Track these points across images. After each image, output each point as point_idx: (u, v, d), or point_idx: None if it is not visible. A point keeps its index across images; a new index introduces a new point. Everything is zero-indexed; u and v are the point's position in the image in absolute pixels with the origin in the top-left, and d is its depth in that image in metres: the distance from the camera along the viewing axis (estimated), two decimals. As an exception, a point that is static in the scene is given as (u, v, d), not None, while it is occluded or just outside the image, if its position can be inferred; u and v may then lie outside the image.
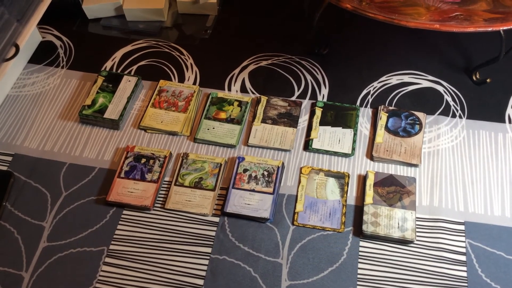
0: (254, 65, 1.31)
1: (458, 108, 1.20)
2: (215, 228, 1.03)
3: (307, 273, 0.98)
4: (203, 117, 1.19)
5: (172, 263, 0.99)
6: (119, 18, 1.43)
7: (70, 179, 1.10)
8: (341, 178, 1.09)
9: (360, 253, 1.00)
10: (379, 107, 1.19)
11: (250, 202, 1.05)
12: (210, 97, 1.23)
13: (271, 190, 1.07)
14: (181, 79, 1.28)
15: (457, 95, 1.23)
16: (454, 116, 1.19)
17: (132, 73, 1.30)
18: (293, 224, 1.04)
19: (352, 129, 1.16)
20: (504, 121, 1.18)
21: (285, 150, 1.14)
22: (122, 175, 1.09)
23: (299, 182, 1.09)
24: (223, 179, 1.10)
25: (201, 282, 0.97)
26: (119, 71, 1.30)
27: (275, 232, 1.03)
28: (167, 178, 1.10)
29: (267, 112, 1.20)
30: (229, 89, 1.26)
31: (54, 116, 1.21)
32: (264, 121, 1.18)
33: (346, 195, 1.07)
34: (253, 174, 1.09)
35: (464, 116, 1.19)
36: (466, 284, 0.96)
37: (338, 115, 1.19)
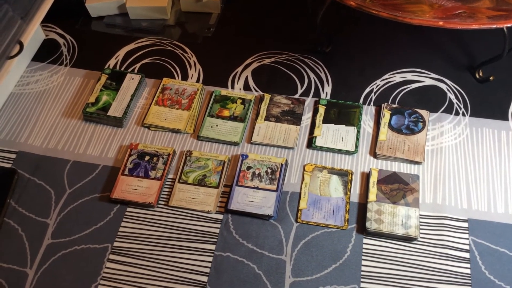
0: (257, 63, 1.31)
1: (461, 106, 1.20)
2: (218, 225, 1.04)
3: (310, 270, 0.98)
4: (207, 114, 1.19)
5: (176, 260, 1.00)
6: (122, 16, 1.43)
7: (74, 176, 1.11)
8: (345, 175, 1.09)
9: (364, 250, 1.00)
10: (382, 105, 1.19)
11: (254, 199, 1.05)
12: (214, 95, 1.23)
13: (274, 187, 1.07)
14: (184, 77, 1.28)
15: (460, 93, 1.23)
16: (457, 113, 1.19)
17: (136, 71, 1.30)
18: (296, 221, 1.04)
19: (355, 127, 1.16)
20: (507, 119, 1.18)
21: (289, 148, 1.14)
22: (126, 172, 1.09)
23: (303, 179, 1.09)
24: (227, 177, 1.10)
25: (205, 279, 0.97)
26: (122, 69, 1.30)
27: (279, 229, 1.03)
28: (170, 176, 1.10)
29: (271, 110, 1.20)
30: (232, 87, 1.26)
31: (57, 114, 1.21)
32: (267, 118, 1.18)
33: (350, 192, 1.07)
34: (257, 172, 1.09)
35: (467, 113, 1.19)
36: (469, 281, 0.96)
37: (341, 112, 1.19)
